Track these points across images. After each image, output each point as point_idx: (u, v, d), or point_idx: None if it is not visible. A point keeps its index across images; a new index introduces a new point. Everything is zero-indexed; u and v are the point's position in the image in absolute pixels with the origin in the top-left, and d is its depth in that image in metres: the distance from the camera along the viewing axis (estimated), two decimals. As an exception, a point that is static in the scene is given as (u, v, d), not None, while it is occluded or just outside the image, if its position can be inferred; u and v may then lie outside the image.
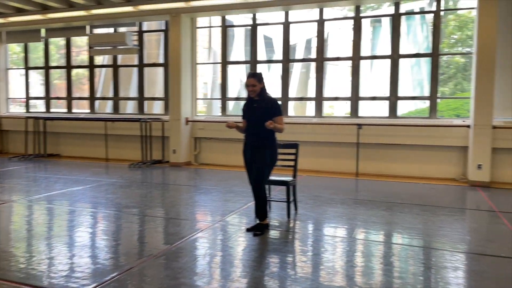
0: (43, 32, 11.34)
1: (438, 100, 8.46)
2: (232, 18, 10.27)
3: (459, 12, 12.91)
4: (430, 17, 9.26)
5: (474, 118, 7.50)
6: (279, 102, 4.63)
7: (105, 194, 6.50)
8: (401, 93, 8.68)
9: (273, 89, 9.49)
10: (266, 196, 4.64)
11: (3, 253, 3.87)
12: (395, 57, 8.53)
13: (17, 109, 12.75)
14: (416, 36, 14.33)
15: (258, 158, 4.48)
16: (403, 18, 8.43)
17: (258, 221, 4.65)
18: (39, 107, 12.61)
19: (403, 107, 9.89)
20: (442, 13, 8.36)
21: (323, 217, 5.30)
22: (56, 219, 5.14)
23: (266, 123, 4.26)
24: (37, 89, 12.90)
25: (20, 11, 10.54)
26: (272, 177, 5.40)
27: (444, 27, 8.30)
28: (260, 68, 9.70)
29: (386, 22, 12.85)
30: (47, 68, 11.75)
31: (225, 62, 9.93)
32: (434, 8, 8.32)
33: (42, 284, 3.17)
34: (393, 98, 8.58)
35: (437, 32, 8.26)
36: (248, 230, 4.57)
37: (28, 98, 12.20)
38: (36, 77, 12.79)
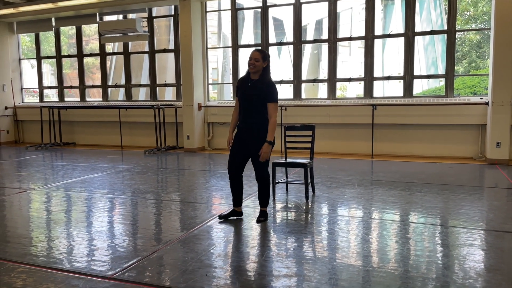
0: (53, 21, 11.36)
1: (454, 78, 8.32)
2: (241, 0, 10.13)
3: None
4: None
5: (492, 95, 7.37)
6: (278, 89, 4.22)
7: (123, 181, 6.56)
8: (415, 72, 8.55)
9: (285, 72, 9.42)
10: (270, 180, 4.28)
11: (25, 239, 3.93)
12: (409, 35, 8.37)
13: (30, 99, 12.86)
14: (429, 13, 13.99)
15: (256, 141, 4.10)
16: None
17: (233, 208, 4.43)
18: (51, 97, 12.70)
19: (417, 87, 9.74)
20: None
21: (341, 198, 5.29)
22: (76, 205, 5.20)
23: (260, 158, 4.03)
24: (48, 79, 12.98)
25: (30, 1, 10.54)
26: (289, 160, 5.42)
27: (458, 3, 8.07)
28: (271, 51, 9.60)
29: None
30: (59, 57, 11.79)
31: (235, 46, 9.85)
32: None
33: (65, 267, 3.22)
34: (408, 77, 8.46)
35: (452, 8, 8.07)
36: (220, 217, 4.36)
37: (41, 88, 12.29)
38: (47, 67, 12.85)
